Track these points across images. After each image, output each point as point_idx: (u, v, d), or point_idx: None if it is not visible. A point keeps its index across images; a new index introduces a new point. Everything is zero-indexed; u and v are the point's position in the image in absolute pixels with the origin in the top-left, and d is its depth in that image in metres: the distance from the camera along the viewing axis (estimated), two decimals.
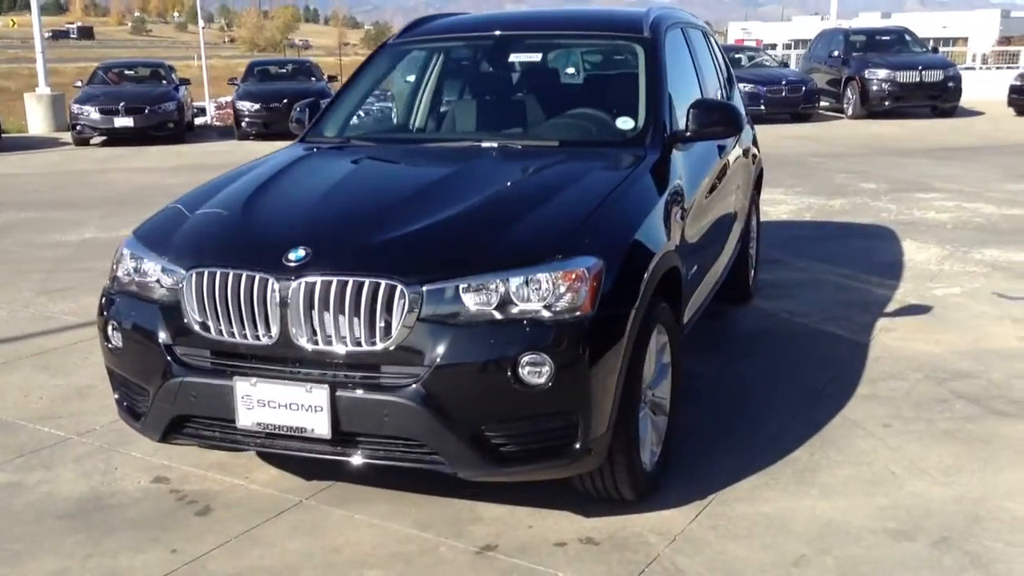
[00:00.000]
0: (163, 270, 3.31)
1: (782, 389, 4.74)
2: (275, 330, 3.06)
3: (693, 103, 4.22)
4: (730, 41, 63.29)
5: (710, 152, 4.70)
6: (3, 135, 18.54)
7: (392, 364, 3.01)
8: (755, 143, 6.34)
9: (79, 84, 19.71)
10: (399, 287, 2.98)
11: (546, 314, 3.01)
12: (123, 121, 17.70)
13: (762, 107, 19.49)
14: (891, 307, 6.16)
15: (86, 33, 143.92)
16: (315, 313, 3.02)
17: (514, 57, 4.73)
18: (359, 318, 3.00)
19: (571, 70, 4.76)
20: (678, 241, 3.87)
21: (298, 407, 3.06)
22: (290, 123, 4.84)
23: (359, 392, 3.02)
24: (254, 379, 3.10)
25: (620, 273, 3.19)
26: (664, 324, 3.65)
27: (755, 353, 5.34)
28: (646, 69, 4.39)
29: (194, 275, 3.20)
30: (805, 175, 12.26)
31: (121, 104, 17.80)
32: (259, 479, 3.84)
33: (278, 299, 3.05)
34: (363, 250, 3.12)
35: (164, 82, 19.86)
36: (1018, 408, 4.44)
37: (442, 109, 4.86)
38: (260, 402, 3.09)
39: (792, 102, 19.82)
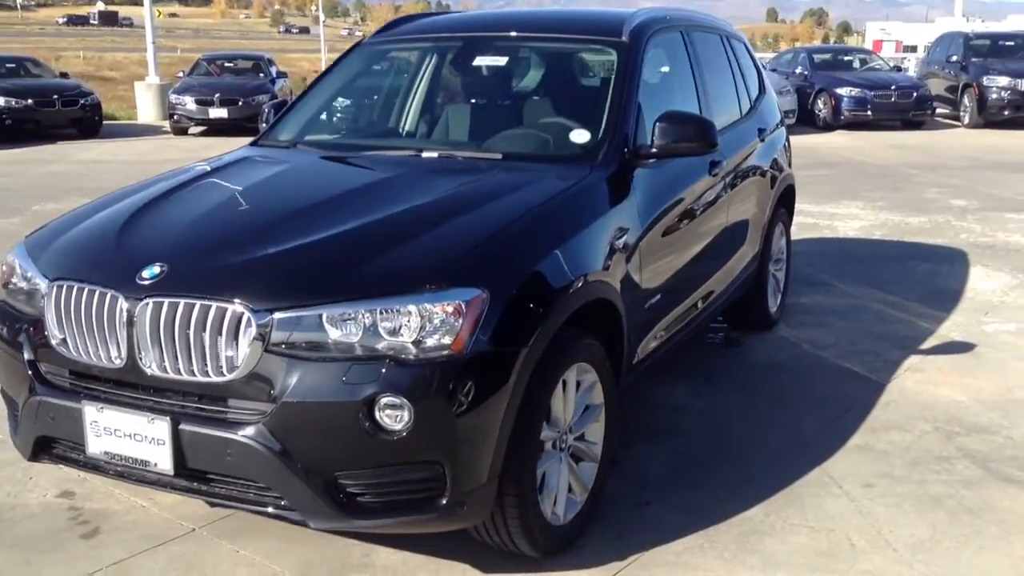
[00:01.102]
0: (34, 280, 3.13)
1: (767, 433, 4.28)
2: (123, 352, 2.83)
3: (660, 116, 3.80)
4: (867, 43, 60.64)
5: (694, 170, 4.25)
6: (108, 122, 19.17)
7: (239, 398, 2.73)
8: (783, 157, 5.81)
9: (181, 75, 20.25)
10: (246, 314, 2.70)
11: (412, 351, 2.68)
12: (217, 112, 18.04)
13: (869, 113, 18.50)
14: (929, 343, 5.56)
15: (109, 19, 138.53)
16: (162, 337, 2.77)
17: (479, 61, 4.39)
18: (205, 345, 2.73)
19: (539, 75, 4.38)
20: (623, 269, 3.48)
21: (142, 438, 2.82)
22: (260, 123, 4.66)
23: (203, 427, 2.76)
24: (101, 404, 2.87)
25: (511, 306, 2.84)
26: (591, 362, 3.27)
27: (756, 388, 4.87)
28: (616, 77, 4.00)
29: (55, 288, 3.00)
30: (893, 187, 11.46)
31: (216, 95, 18.17)
32: (163, 501, 3.63)
33: (126, 319, 2.81)
34: (217, 271, 2.85)
35: (262, 75, 20.18)
36: None
37: (398, 114, 4.56)
38: (107, 430, 2.87)
39: (902, 108, 18.71)
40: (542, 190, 3.40)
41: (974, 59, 19.61)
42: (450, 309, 2.72)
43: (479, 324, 2.73)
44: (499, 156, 3.71)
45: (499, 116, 4.22)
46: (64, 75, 20.19)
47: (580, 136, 3.83)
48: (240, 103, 18.12)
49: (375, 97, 4.60)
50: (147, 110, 21.95)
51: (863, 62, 21.21)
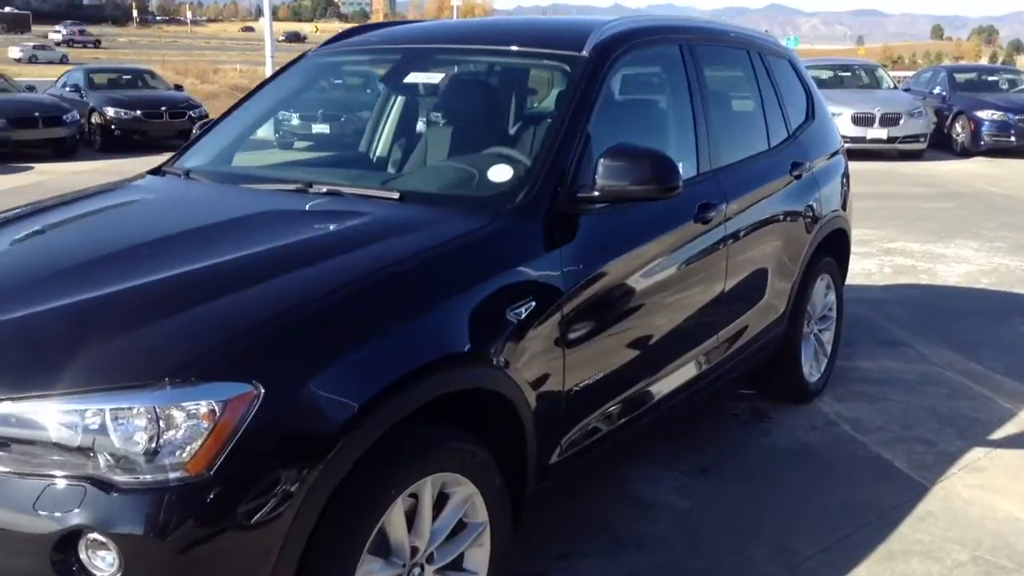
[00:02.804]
0: None
1: (755, 552, 3.39)
2: None
3: (606, 151, 3.01)
4: None
5: (671, 216, 3.43)
6: None
7: None
8: (834, 194, 4.85)
9: None
10: None
11: (137, 469, 2.00)
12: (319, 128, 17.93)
13: (1012, 139, 16.76)
14: (1002, 431, 4.50)
15: (294, 37, 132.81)
16: None
17: (412, 78, 3.67)
18: None
19: (478, 97, 3.61)
20: (529, 347, 2.71)
21: None
22: None
23: None
24: None
25: (301, 408, 2.12)
26: (463, 470, 2.52)
27: (765, 481, 3.96)
28: (562, 100, 3.22)
29: None
30: (1021, 226, 10.09)
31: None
32: None
33: None
34: None
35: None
36: None
37: (314, 136, 3.88)
38: None
39: None
40: (414, 243, 2.66)
41: None
42: (199, 411, 2.02)
43: (237, 434, 2.02)
44: (396, 195, 2.98)
45: (421, 144, 3.51)
46: (179, 87, 20.51)
47: (499, 173, 3.07)
48: None
49: (296, 118, 3.93)
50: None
51: (1012, 83, 19.35)
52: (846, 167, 5.16)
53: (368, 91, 3.93)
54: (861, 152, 15.79)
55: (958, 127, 17.49)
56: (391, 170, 3.39)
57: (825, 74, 18.44)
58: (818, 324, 4.90)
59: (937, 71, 20.71)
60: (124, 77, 19.57)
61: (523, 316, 2.69)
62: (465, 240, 2.69)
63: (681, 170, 3.33)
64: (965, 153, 17.12)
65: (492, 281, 2.65)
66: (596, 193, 2.98)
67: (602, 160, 2.98)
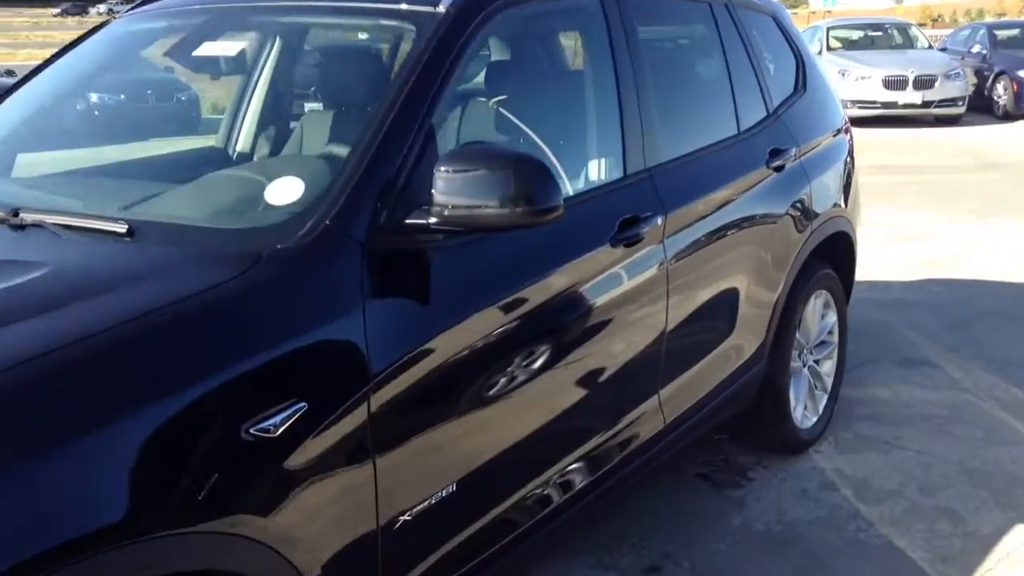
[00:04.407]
0: None
1: None
2: None
3: (446, 155, 2.00)
4: None
5: (574, 240, 2.41)
6: None
7: None
8: (832, 186, 3.79)
9: None
10: None
11: None
12: None
13: None
14: None
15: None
16: None
17: (203, 50, 2.65)
18: None
19: (288, 77, 2.61)
20: (297, 480, 1.71)
21: None
22: None
23: None
24: None
25: None
26: None
27: None
28: (400, 78, 2.19)
29: None
30: None
31: None
32: None
33: None
34: None
35: None
36: None
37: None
38: None
39: None
40: (86, 318, 1.65)
41: None
42: None
43: None
44: (122, 229, 1.97)
45: (199, 151, 2.49)
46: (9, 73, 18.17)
47: (282, 191, 2.04)
48: None
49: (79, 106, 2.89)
50: None
51: None
52: (850, 150, 4.07)
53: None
54: (892, 118, 14.56)
55: (999, 89, 16.09)
56: (174, 182, 2.38)
57: (855, 34, 17.15)
58: (814, 353, 3.84)
59: (976, 28, 19.23)
60: None
61: (280, 430, 1.69)
62: (175, 310, 1.68)
63: (594, 174, 2.32)
64: (1007, 117, 15.73)
65: (214, 375, 1.64)
66: (432, 220, 1.96)
67: (440, 169, 1.96)
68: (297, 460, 1.72)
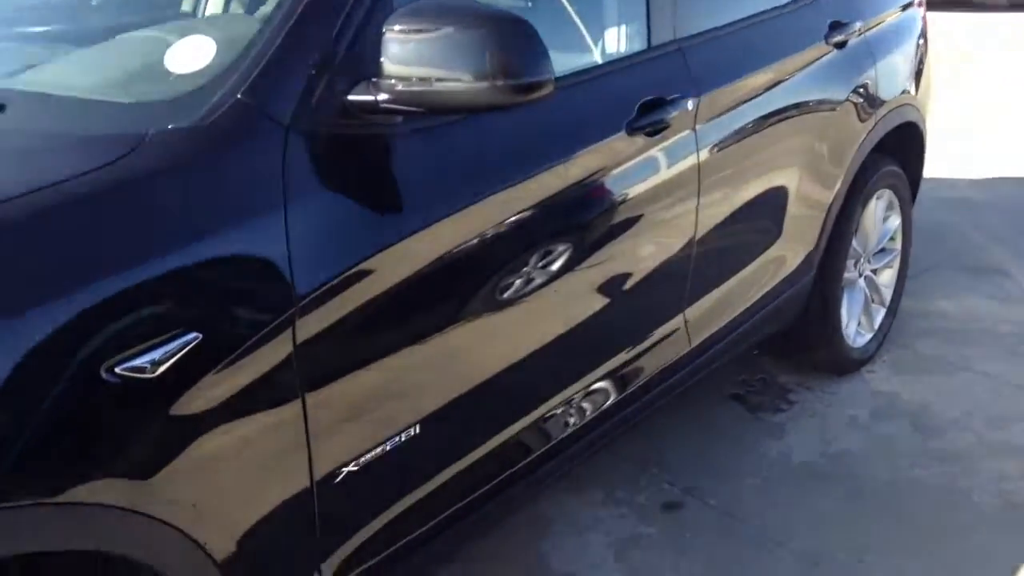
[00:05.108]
0: None
1: None
2: None
3: (399, 10, 1.54)
4: None
5: (589, 120, 1.96)
6: None
7: None
8: (902, 66, 3.24)
9: None
10: None
11: None
12: None
13: None
14: None
15: None
16: None
17: None
18: None
19: None
20: (194, 429, 1.34)
21: None
22: None
23: None
24: None
25: None
26: None
27: (759, 530, 2.55)
28: None
29: None
30: None
31: None
32: None
33: None
34: None
35: None
36: None
37: None
38: None
39: None
40: None
41: None
42: None
43: None
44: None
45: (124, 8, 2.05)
46: None
47: (184, 59, 1.59)
48: None
49: None
50: None
51: None
52: (924, 27, 3.49)
53: None
54: (957, 2, 13.51)
55: None
56: (82, 45, 1.96)
57: None
58: (872, 262, 3.36)
59: None
60: None
61: (161, 368, 1.29)
62: (8, 209, 1.26)
63: (610, 44, 1.86)
64: None
65: (61, 297, 1.23)
66: (382, 97, 1.52)
67: (392, 27, 1.51)
68: (189, 406, 1.33)
